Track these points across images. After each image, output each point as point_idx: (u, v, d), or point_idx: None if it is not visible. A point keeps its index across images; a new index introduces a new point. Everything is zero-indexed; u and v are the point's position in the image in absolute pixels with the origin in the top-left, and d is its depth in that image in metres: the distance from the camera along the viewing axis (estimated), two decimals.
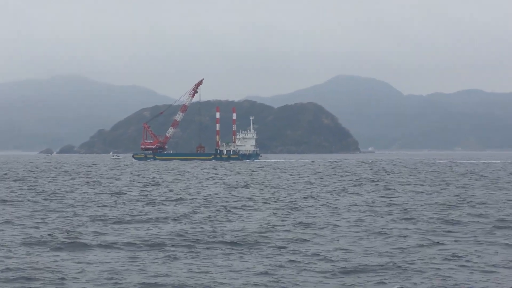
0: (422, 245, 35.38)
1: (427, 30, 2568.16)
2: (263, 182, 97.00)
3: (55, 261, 31.63)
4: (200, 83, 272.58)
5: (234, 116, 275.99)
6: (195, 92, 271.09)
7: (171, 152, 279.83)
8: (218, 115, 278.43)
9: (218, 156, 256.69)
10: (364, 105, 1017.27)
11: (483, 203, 58.02)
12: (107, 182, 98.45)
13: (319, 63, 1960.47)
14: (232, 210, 53.25)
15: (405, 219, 46.80)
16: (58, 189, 78.95)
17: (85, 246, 35.51)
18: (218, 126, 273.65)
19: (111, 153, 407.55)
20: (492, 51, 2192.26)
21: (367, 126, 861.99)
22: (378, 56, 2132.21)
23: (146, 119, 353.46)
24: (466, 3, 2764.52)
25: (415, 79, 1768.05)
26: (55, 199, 64.80)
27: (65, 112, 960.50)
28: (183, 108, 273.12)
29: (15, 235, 39.49)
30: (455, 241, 37.22)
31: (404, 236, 38.47)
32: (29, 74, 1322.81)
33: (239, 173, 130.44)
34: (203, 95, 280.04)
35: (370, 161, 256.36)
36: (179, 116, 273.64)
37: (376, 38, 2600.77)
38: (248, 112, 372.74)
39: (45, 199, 64.01)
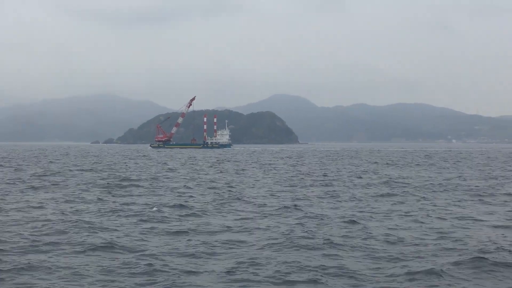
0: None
1: (330, 65, 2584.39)
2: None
3: None
4: (193, 99, 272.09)
5: (215, 120, 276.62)
6: (190, 104, 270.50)
7: (174, 143, 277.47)
8: (205, 119, 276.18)
9: (205, 145, 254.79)
10: (292, 113, 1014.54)
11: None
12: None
13: (260, 85, 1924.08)
14: None
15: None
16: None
17: None
18: (205, 126, 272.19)
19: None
20: (369, 77, 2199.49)
21: (296, 127, 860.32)
22: (301, 80, 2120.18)
23: (160, 121, 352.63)
24: (361, 48, 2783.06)
25: (324, 96, 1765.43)
26: None
27: (102, 116, 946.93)
28: (183, 115, 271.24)
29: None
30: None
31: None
32: (79, 92, 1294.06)
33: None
34: (194, 106, 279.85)
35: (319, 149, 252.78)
36: (180, 120, 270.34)
37: (296, 69, 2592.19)
38: (226, 117, 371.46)
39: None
